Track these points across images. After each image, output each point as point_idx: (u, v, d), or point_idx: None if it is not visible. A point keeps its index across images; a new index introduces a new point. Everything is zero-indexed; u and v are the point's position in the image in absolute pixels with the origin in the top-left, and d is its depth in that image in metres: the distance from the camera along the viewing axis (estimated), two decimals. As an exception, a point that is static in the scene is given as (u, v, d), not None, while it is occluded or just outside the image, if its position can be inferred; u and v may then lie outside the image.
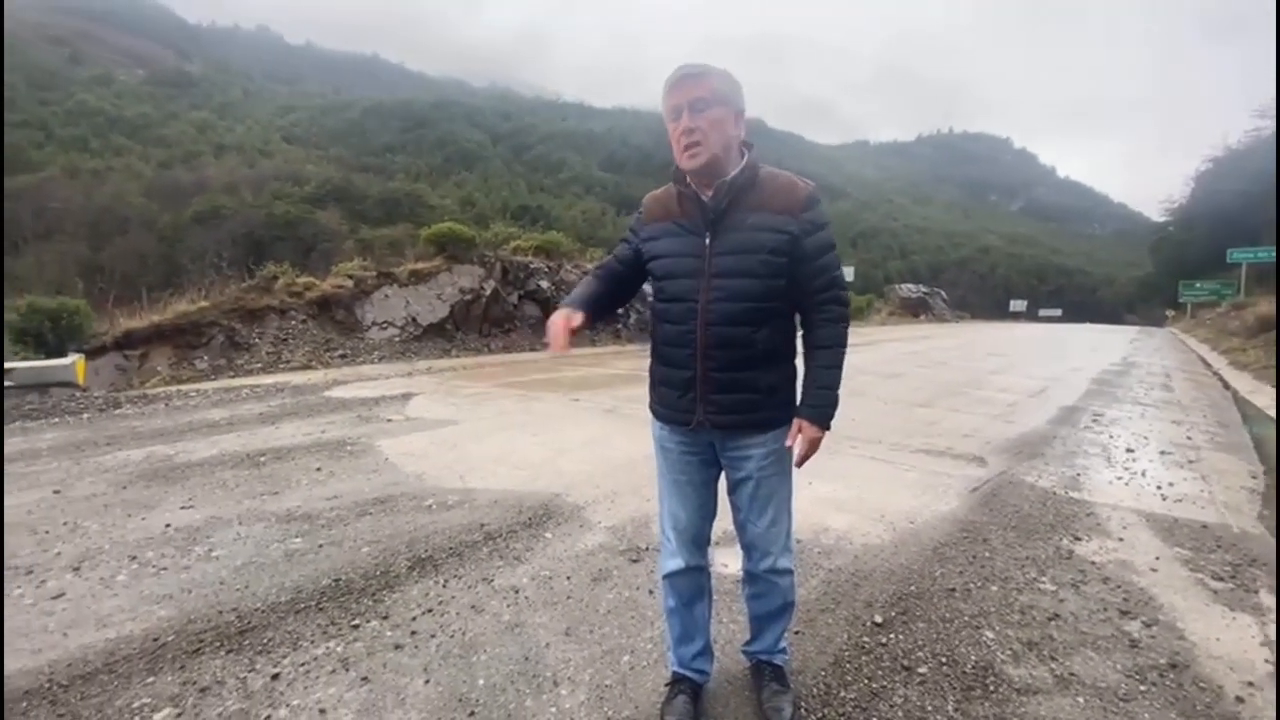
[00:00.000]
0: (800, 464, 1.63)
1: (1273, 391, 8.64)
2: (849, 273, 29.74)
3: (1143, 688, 1.98)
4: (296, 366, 9.41)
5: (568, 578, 2.59)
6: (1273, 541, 3.24)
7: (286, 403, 6.40)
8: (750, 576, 1.79)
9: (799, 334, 1.67)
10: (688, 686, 1.76)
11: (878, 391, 7.64)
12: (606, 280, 1.71)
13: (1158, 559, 2.91)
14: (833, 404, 1.61)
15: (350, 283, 11.26)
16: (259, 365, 9.30)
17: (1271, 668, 2.12)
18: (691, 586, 1.74)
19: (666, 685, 1.82)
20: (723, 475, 1.75)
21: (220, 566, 2.67)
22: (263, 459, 4.24)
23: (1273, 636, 2.32)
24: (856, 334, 20.74)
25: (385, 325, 11.14)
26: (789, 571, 1.77)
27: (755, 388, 1.58)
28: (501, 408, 6.19)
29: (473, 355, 11.39)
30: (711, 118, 1.48)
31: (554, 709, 1.79)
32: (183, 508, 3.35)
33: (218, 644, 2.10)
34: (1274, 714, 1.88)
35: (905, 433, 5.35)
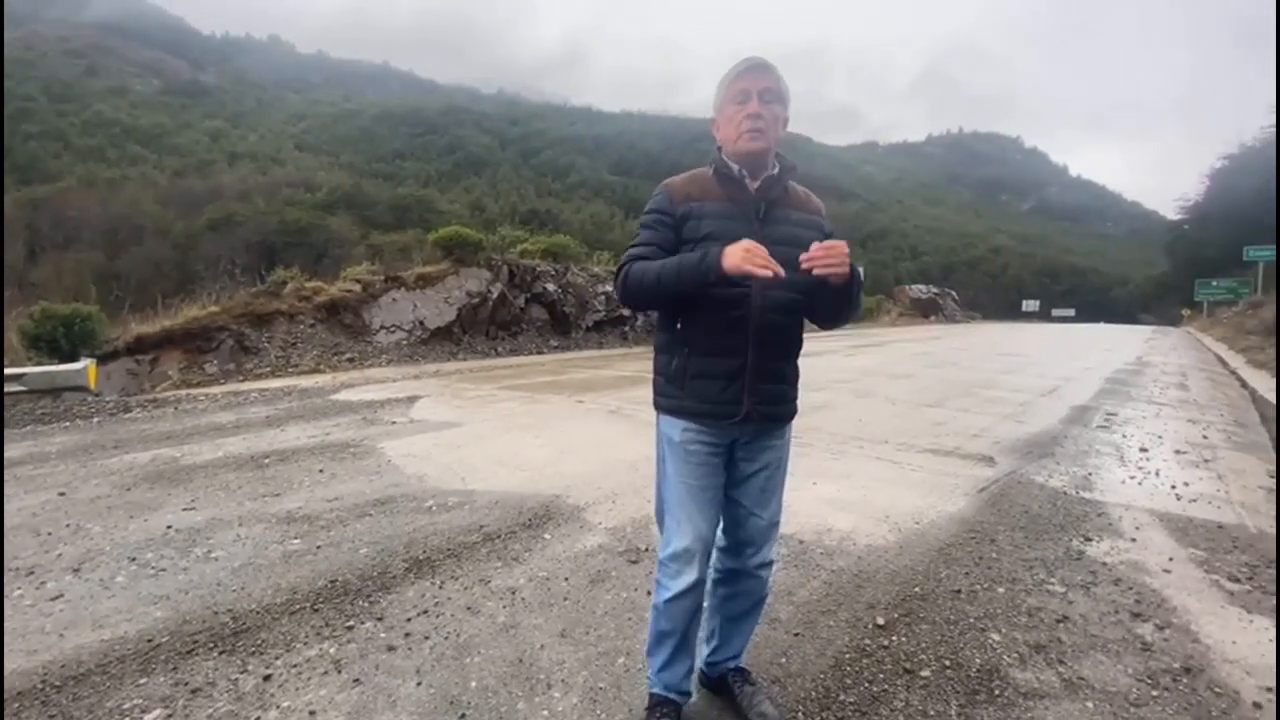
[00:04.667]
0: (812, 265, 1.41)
1: (1292, 390, 8.46)
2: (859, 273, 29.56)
3: (1155, 692, 1.92)
4: (305, 370, 9.47)
5: (566, 579, 2.56)
6: (1291, 542, 3.15)
7: (293, 406, 6.42)
8: (733, 575, 1.71)
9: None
10: (670, 709, 1.64)
11: (886, 392, 7.55)
12: None
13: (1171, 560, 2.84)
14: (857, 280, 1.49)
15: (358, 287, 11.33)
16: (268, 369, 9.37)
17: (1290, 672, 2.05)
18: (692, 605, 1.60)
19: (646, 709, 1.68)
20: None
21: (218, 568, 2.66)
22: (266, 461, 4.25)
23: (1291, 640, 2.25)
24: (865, 335, 20.62)
25: (393, 329, 11.19)
26: (773, 562, 1.73)
27: (787, 379, 1.63)
28: (506, 410, 6.18)
29: (480, 358, 11.41)
30: (775, 112, 1.52)
31: (545, 711, 1.76)
32: (185, 509, 3.35)
33: (211, 645, 2.09)
34: None
35: (913, 433, 5.28)
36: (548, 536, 2.98)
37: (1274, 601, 2.52)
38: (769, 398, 1.57)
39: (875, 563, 2.75)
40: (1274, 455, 5.02)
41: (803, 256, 1.40)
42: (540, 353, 12.69)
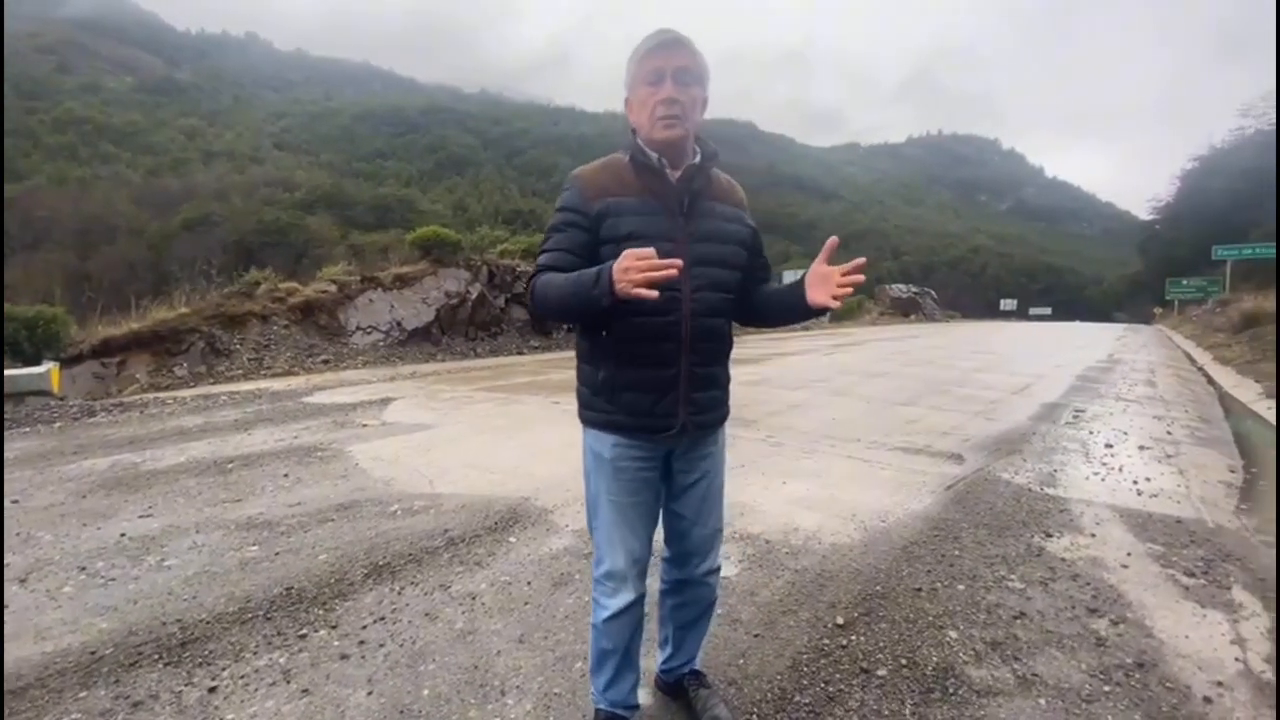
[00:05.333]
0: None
1: (1256, 386, 8.66)
2: (839, 273, 29.78)
3: (1107, 688, 1.94)
4: (278, 373, 9.32)
5: (528, 583, 2.53)
6: (1248, 536, 3.21)
7: (263, 409, 6.31)
8: (680, 585, 1.67)
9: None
10: None
11: (861, 390, 7.61)
12: None
13: (1129, 555, 2.88)
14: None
15: (334, 287, 11.18)
16: (240, 372, 9.20)
17: (1242, 666, 2.08)
18: (633, 622, 1.55)
19: None
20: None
21: (171, 577, 2.60)
22: (230, 466, 4.17)
23: (1244, 634, 2.28)
24: (844, 334, 20.79)
25: (369, 330, 11.06)
26: (720, 567, 1.70)
27: (721, 383, 1.56)
28: (480, 411, 6.13)
29: (459, 359, 11.31)
30: (693, 94, 1.38)
31: (498, 719, 1.74)
32: (141, 517, 3.27)
33: (156, 657, 2.03)
34: (1246, 715, 1.84)
35: (885, 431, 5.32)
36: (513, 540, 2.95)
37: (1228, 595, 2.57)
38: (705, 406, 1.49)
39: (839, 562, 2.76)
40: (1235, 450, 5.12)
41: (842, 278, 1.30)
42: (520, 353, 12.61)
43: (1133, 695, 1.91)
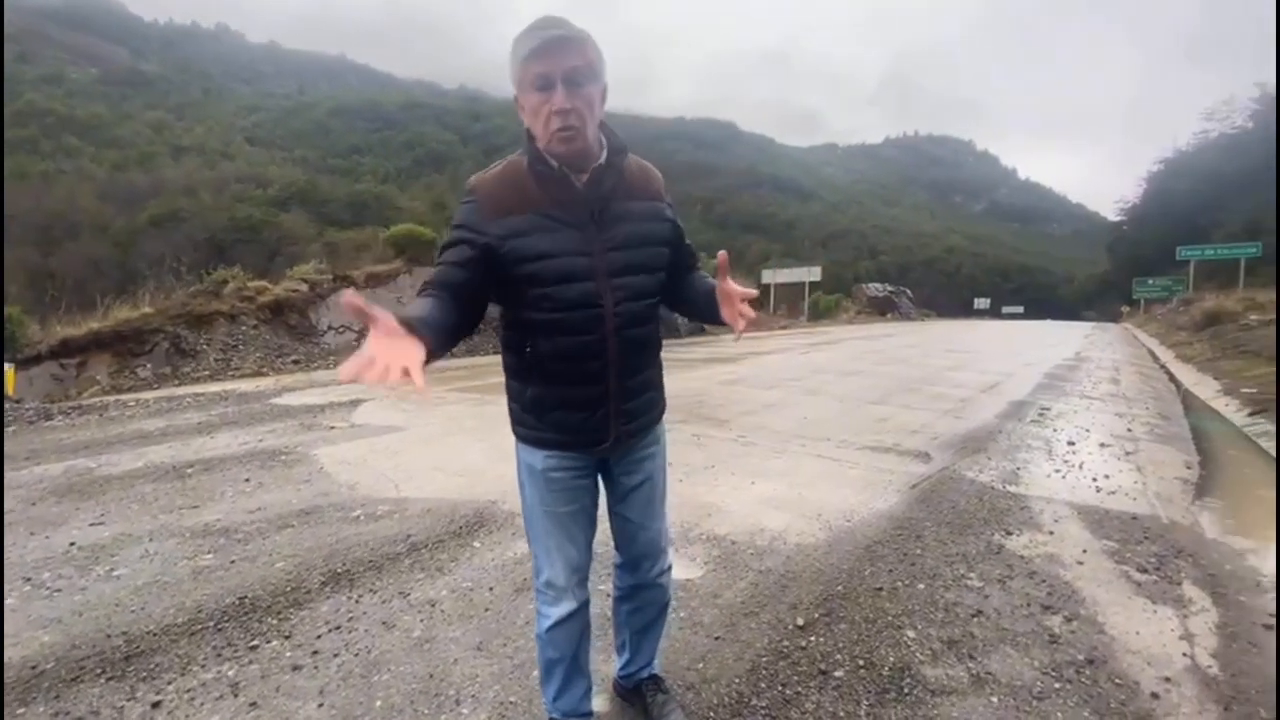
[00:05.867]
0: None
1: (1215, 383, 8.92)
2: (816, 272, 30.11)
3: (1058, 685, 1.97)
4: (247, 374, 9.13)
5: (490, 589, 2.50)
6: (1200, 532, 3.30)
7: (228, 411, 6.17)
8: (634, 590, 1.66)
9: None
10: None
11: (834, 389, 7.68)
12: (456, 301, 1.23)
13: (1085, 552, 2.93)
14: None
15: (305, 286, 10.99)
16: (206, 373, 9.00)
17: (1189, 661, 2.13)
18: (577, 629, 1.53)
19: None
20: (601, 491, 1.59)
21: (119, 587, 2.52)
22: (189, 471, 4.06)
23: (1193, 630, 2.33)
24: (820, 333, 20.96)
25: (342, 330, 10.89)
26: (671, 566, 1.69)
27: (653, 385, 1.52)
28: (452, 413, 6.06)
29: (434, 359, 11.19)
30: (588, 95, 1.25)
31: (451, 729, 1.71)
32: (92, 524, 3.17)
33: (99, 671, 1.97)
34: (1192, 709, 1.88)
35: (855, 430, 5.37)
36: (477, 545, 2.91)
37: (1179, 591, 2.63)
38: (637, 413, 1.46)
39: (803, 562, 2.77)
40: (1193, 447, 5.27)
41: (740, 305, 1.32)
42: (498, 353, 12.49)
43: (1082, 692, 1.94)
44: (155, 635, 2.16)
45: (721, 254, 1.38)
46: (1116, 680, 2.00)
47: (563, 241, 1.30)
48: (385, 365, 0.92)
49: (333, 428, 5.34)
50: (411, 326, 1.03)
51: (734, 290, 1.34)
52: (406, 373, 0.93)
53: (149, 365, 8.82)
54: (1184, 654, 2.16)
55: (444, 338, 1.15)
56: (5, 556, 2.81)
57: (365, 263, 12.84)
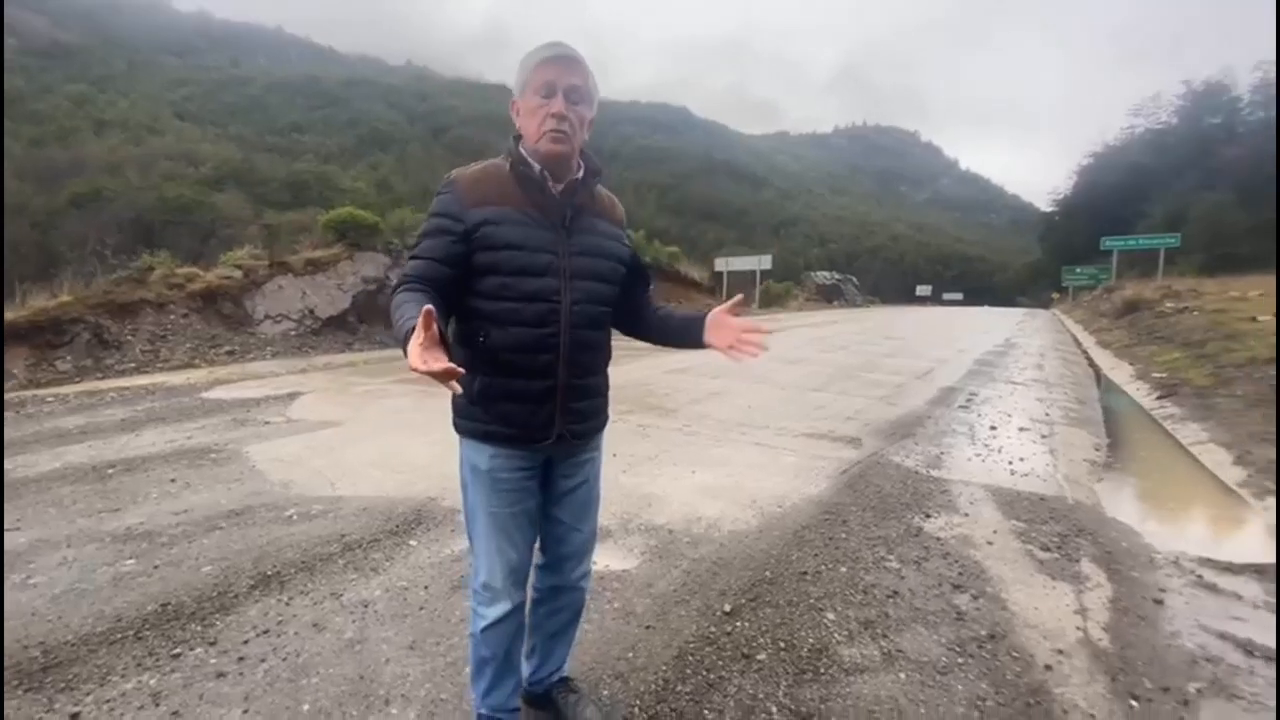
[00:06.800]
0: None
1: (1129, 368, 9.56)
2: (766, 261, 30.59)
3: (961, 660, 2.12)
4: (177, 365, 8.71)
5: (425, 587, 2.51)
6: (1101, 511, 3.57)
7: (155, 406, 5.90)
8: (554, 591, 1.69)
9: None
10: None
11: (778, 378, 7.88)
12: (441, 296, 1.33)
13: (995, 532, 3.14)
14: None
15: (239, 273, 10.51)
16: (132, 365, 8.53)
17: (1082, 634, 2.31)
18: (512, 629, 1.57)
19: None
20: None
21: (35, 596, 2.42)
22: (111, 471, 3.89)
23: (1087, 604, 2.53)
24: (772, 320, 21.35)
25: (279, 318, 10.49)
26: (591, 571, 1.75)
27: (600, 391, 1.59)
28: (395, 406, 5.96)
29: (378, 349, 10.91)
30: (581, 114, 1.40)
31: (379, 729, 1.73)
32: (7, 530, 3.01)
33: (16, 683, 1.90)
34: (1082, 680, 2.04)
35: (794, 417, 5.55)
36: (414, 543, 2.91)
37: (1077, 568, 2.85)
38: (583, 415, 1.52)
39: (735, 548, 2.88)
40: (1103, 430, 5.66)
41: (746, 335, 1.46)
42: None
43: (983, 665, 2.10)
44: (73, 645, 2.09)
45: (739, 296, 1.57)
46: (1014, 654, 2.17)
47: (533, 237, 1.40)
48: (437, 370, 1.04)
49: (267, 423, 5.18)
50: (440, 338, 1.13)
51: (738, 323, 1.49)
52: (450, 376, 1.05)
53: (69, 357, 8.30)
54: (1077, 628, 2.34)
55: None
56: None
57: (304, 247, 12.35)
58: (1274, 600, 2.58)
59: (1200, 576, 2.76)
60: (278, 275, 10.85)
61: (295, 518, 3.16)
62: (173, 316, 9.59)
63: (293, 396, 6.32)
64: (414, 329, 1.09)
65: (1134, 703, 1.92)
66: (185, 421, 5.24)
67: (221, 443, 4.52)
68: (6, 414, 5.80)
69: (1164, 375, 8.09)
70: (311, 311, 10.87)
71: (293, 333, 10.53)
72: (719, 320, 1.51)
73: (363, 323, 11.64)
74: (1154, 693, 1.97)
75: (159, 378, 7.72)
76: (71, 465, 4.04)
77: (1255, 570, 2.84)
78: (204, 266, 10.77)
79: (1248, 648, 2.23)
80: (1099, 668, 2.11)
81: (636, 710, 1.83)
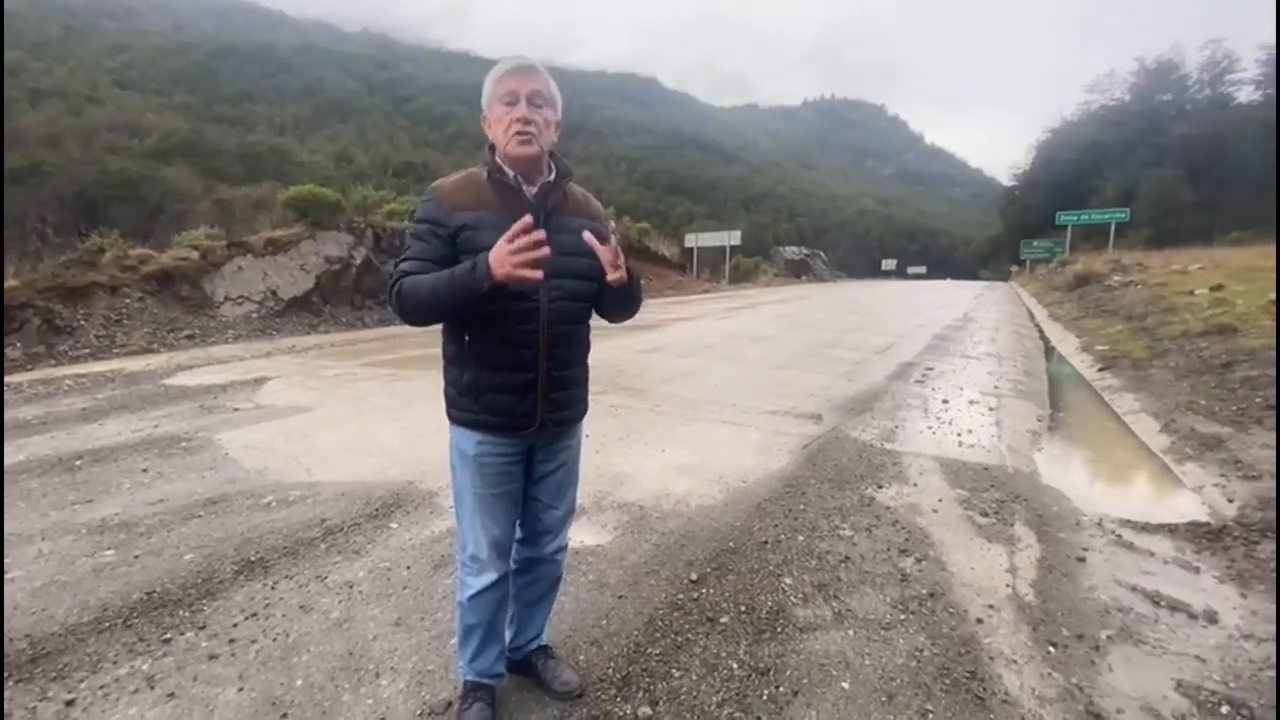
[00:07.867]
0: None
1: (1076, 340, 10.04)
2: (736, 236, 30.75)
3: (903, 617, 2.34)
4: (134, 351, 8.49)
5: (408, 568, 2.63)
6: (1038, 479, 3.85)
7: (116, 394, 5.80)
8: (530, 563, 1.83)
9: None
10: (485, 693, 1.75)
11: (746, 355, 8.09)
12: None
13: (940, 500, 3.39)
14: (636, 277, 1.61)
15: (196, 254, 10.21)
16: (87, 351, 8.30)
17: (1010, 591, 2.55)
18: (497, 598, 1.71)
19: (460, 697, 1.79)
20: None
21: (15, 590, 2.46)
22: (78, 462, 3.87)
23: (1017, 564, 2.78)
24: (739, 297, 21.58)
25: (240, 300, 10.26)
26: (568, 545, 1.90)
27: (579, 382, 1.71)
28: (365, 390, 5.97)
29: (344, 330, 10.78)
30: (545, 116, 1.51)
31: (370, 700, 1.86)
32: (-26, 526, 3.01)
33: (6, 675, 1.97)
34: (1009, 630, 2.27)
35: (760, 394, 5.76)
36: (394, 526, 3.01)
37: (1011, 531, 3.11)
38: (563, 404, 1.63)
39: (701, 522, 3.06)
40: (1046, 400, 6.01)
41: (600, 253, 1.45)
42: (413, 322, 12.17)
43: (922, 621, 2.32)
44: (61, 636, 2.15)
45: (613, 224, 1.64)
46: (950, 610, 2.40)
47: None
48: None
49: (236, 409, 5.16)
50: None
51: (605, 249, 1.47)
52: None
53: (19, 344, 8.03)
54: (1007, 585, 2.59)
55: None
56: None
57: (263, 226, 12.02)
58: (1189, 559, 2.87)
59: (1119, 536, 3.05)
60: (237, 256, 10.57)
61: (274, 504, 3.23)
62: (127, 300, 9.31)
63: (260, 382, 6.27)
64: (473, 264, 1.36)
65: (1051, 649, 2.16)
66: (150, 409, 5.18)
67: (191, 431, 4.51)
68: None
69: (1106, 348, 8.54)
70: (274, 293, 10.65)
71: (255, 315, 10.32)
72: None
73: (327, 303, 11.45)
74: (1070, 640, 2.22)
75: (117, 364, 7.54)
76: (36, 457, 4.00)
77: (1168, 530, 3.14)
78: (158, 247, 10.43)
79: (1155, 598, 2.50)
80: (1023, 619, 2.35)
81: (611, 672, 2.00)
